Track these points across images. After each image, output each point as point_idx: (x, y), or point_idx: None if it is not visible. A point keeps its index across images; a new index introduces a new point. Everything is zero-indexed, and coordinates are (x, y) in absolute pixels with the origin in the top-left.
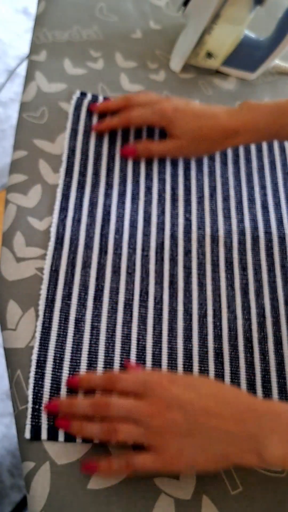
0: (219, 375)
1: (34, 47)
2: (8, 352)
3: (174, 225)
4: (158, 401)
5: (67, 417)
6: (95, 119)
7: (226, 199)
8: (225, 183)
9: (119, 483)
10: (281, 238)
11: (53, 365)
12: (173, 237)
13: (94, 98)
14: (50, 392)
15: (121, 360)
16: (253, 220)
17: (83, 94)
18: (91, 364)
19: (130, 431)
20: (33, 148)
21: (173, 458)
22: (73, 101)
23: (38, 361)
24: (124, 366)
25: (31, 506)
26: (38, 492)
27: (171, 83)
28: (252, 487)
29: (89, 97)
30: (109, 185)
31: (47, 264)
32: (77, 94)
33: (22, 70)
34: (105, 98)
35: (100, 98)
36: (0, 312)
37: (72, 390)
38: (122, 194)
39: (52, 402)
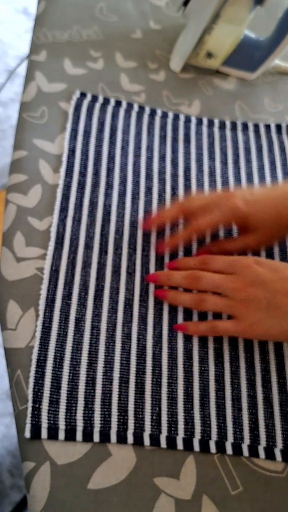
0: (219, 375)
1: (34, 47)
2: (8, 352)
3: (174, 225)
4: (244, 278)
5: (163, 289)
6: (95, 120)
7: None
8: (225, 183)
9: (119, 483)
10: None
11: (53, 364)
12: (173, 237)
13: (94, 99)
14: (51, 391)
15: (121, 360)
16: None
17: (83, 95)
18: (91, 363)
19: (217, 302)
20: (33, 148)
21: (252, 326)
22: (73, 102)
23: (38, 360)
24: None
25: (31, 506)
26: (38, 492)
27: (171, 83)
28: (252, 487)
29: (89, 97)
30: (109, 185)
31: (47, 264)
32: (77, 94)
33: (22, 70)
34: (105, 99)
35: (100, 99)
36: (0, 312)
37: (72, 388)
38: (122, 194)
39: (152, 274)
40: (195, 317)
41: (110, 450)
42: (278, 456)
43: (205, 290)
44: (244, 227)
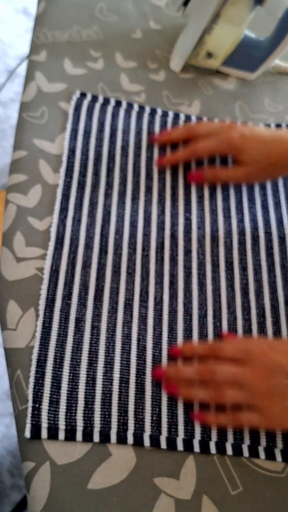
0: None
1: (34, 47)
2: (8, 352)
3: (174, 224)
4: (261, 367)
5: (174, 383)
6: (95, 120)
7: (226, 198)
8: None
9: (119, 483)
10: (281, 238)
11: (54, 364)
12: (173, 236)
13: (94, 99)
14: (51, 391)
15: (121, 360)
16: (253, 220)
17: (83, 95)
18: (91, 363)
19: (235, 394)
20: (33, 148)
21: (277, 418)
22: (73, 102)
23: (38, 360)
24: (219, 336)
25: (31, 506)
26: (38, 492)
27: (171, 83)
28: (252, 487)
29: (89, 97)
30: (109, 185)
31: (47, 264)
32: (77, 94)
33: (22, 70)
34: (105, 99)
35: (100, 99)
36: (0, 312)
37: (73, 388)
38: (122, 194)
39: (158, 369)
40: (194, 317)
41: (110, 450)
42: (278, 457)
43: (221, 383)
44: (237, 159)
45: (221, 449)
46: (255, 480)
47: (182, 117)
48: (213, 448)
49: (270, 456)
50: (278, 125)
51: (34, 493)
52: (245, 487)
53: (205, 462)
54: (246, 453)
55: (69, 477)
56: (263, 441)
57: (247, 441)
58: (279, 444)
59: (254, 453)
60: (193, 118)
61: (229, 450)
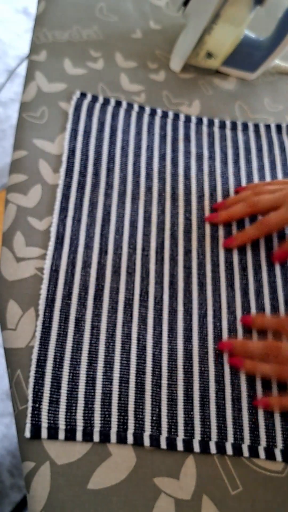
0: (219, 375)
1: (34, 47)
2: (8, 352)
3: (174, 224)
4: None
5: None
6: (95, 120)
7: (226, 199)
8: (225, 183)
9: (119, 483)
10: (280, 238)
11: (53, 364)
12: (173, 236)
13: (94, 99)
14: (51, 391)
15: (121, 360)
16: (253, 220)
17: (83, 95)
18: (91, 363)
19: None
20: (33, 148)
21: None
22: (73, 102)
23: (38, 360)
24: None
25: (31, 506)
26: (38, 492)
27: (171, 83)
28: (252, 487)
29: (89, 97)
30: (109, 185)
31: (47, 264)
32: (77, 94)
33: (22, 70)
34: (105, 99)
35: (100, 99)
36: (0, 312)
37: (72, 387)
38: (122, 194)
39: (226, 342)
40: (194, 317)
41: (110, 450)
42: (279, 456)
43: (286, 360)
44: None
45: (221, 449)
46: (255, 480)
47: (182, 118)
48: (213, 448)
49: (270, 456)
50: (278, 126)
51: (34, 493)
52: (245, 487)
53: (205, 462)
54: (246, 453)
55: (69, 477)
56: (263, 441)
57: (247, 441)
58: (279, 444)
59: (254, 453)
60: (193, 119)
61: (229, 450)
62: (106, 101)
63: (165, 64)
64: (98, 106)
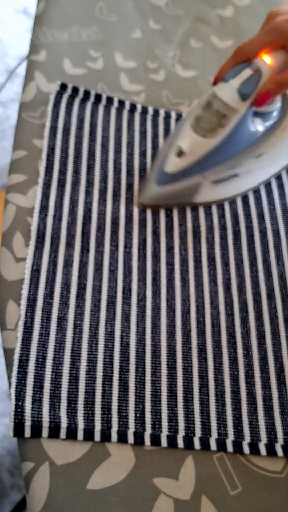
0: (203, 371)
1: (34, 47)
2: (7, 352)
3: (155, 221)
4: None
5: None
6: (74, 117)
7: None
8: None
9: (118, 483)
10: (263, 233)
11: (36, 363)
12: (155, 233)
13: (75, 91)
14: (33, 390)
15: (104, 357)
16: (234, 215)
17: (63, 87)
18: (74, 362)
19: None
20: (32, 148)
21: None
22: (52, 96)
23: (20, 360)
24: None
25: (30, 506)
26: (37, 493)
27: (171, 83)
28: (251, 487)
29: (69, 91)
30: (89, 183)
31: (28, 264)
32: (56, 87)
33: (22, 70)
34: (86, 91)
35: (81, 90)
36: None
37: (55, 386)
38: (103, 192)
39: None
40: (178, 313)
41: (109, 450)
42: (280, 452)
43: None
44: None
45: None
46: (254, 481)
47: (162, 114)
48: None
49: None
50: None
51: (33, 493)
52: (244, 487)
53: (204, 462)
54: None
55: (68, 477)
56: (247, 436)
57: (231, 437)
58: (264, 439)
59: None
60: (173, 115)
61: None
62: (86, 96)
63: (165, 64)
64: (77, 102)
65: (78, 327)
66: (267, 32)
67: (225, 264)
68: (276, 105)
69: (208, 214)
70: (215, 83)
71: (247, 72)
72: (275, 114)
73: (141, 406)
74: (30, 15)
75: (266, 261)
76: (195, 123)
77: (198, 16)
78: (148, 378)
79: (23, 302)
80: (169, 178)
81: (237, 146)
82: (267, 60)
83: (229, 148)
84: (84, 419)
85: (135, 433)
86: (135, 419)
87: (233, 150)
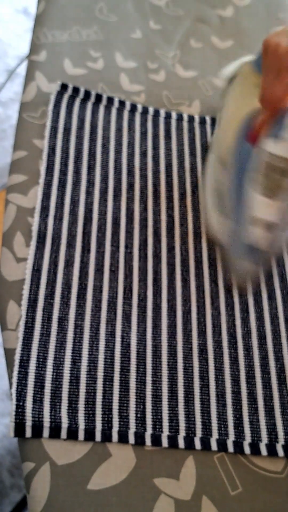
0: (204, 371)
1: (34, 47)
2: (8, 352)
3: (157, 221)
4: None
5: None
6: (75, 117)
7: None
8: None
9: (119, 484)
10: None
11: (37, 363)
12: (156, 233)
13: (75, 91)
14: (34, 391)
15: (105, 358)
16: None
17: (63, 87)
18: (75, 362)
19: None
20: (33, 149)
21: None
22: (52, 97)
23: (21, 361)
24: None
25: (31, 506)
26: (38, 493)
27: (171, 83)
28: (252, 487)
29: (69, 91)
30: (90, 183)
31: (29, 264)
32: (57, 87)
33: (22, 70)
34: (86, 92)
35: (82, 90)
36: (0, 312)
37: (56, 386)
38: (103, 192)
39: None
40: (178, 313)
41: (110, 450)
42: (280, 452)
43: None
44: None
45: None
46: (254, 481)
47: (162, 114)
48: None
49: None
50: None
51: (34, 494)
52: (245, 487)
53: (205, 463)
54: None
55: (69, 478)
56: (248, 437)
57: (231, 437)
58: (264, 439)
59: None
60: (173, 115)
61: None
62: (87, 96)
63: (165, 64)
64: (77, 102)
65: (79, 327)
66: None
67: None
68: None
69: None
70: (253, 140)
71: None
72: None
73: (142, 406)
74: (30, 15)
75: None
76: (265, 191)
77: (198, 16)
78: (149, 378)
79: (24, 302)
80: (267, 252)
81: None
82: None
83: None
84: (85, 419)
85: (135, 433)
86: (136, 419)
87: None
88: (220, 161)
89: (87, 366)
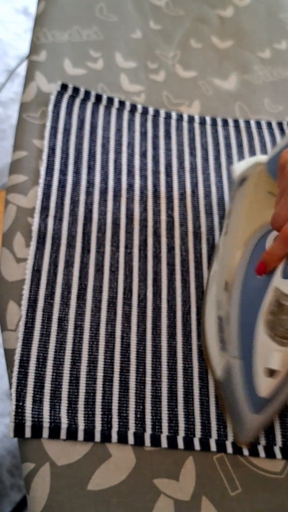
0: (203, 372)
1: (34, 47)
2: (8, 352)
3: (156, 222)
4: None
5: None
6: (75, 117)
7: (207, 195)
8: (206, 179)
9: (118, 484)
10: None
11: (37, 364)
12: (156, 234)
13: (75, 91)
14: (34, 391)
15: (105, 358)
16: None
17: (63, 87)
18: (75, 362)
19: None
20: (33, 149)
21: None
22: (52, 97)
23: (21, 361)
24: None
25: (31, 507)
26: (38, 493)
27: (171, 83)
28: (251, 488)
29: (69, 91)
30: (90, 183)
31: (29, 264)
32: (57, 87)
33: (22, 70)
34: (86, 92)
35: (82, 90)
36: (0, 312)
37: (56, 387)
38: (103, 192)
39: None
40: (178, 314)
41: (110, 451)
42: (278, 454)
43: None
44: None
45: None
46: (254, 481)
47: (162, 114)
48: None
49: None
50: (258, 122)
51: (34, 494)
52: (244, 488)
53: (204, 463)
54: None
55: (69, 478)
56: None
57: (230, 438)
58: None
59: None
60: (173, 115)
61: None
62: (87, 96)
63: (165, 64)
64: (77, 102)
65: (78, 328)
66: None
67: None
68: None
69: (209, 214)
70: (262, 272)
71: None
72: None
73: (141, 407)
74: (30, 15)
75: None
76: (272, 332)
77: (198, 16)
78: (148, 379)
79: (24, 302)
80: (268, 401)
81: None
82: None
83: None
84: (85, 420)
85: (135, 434)
86: (135, 420)
87: None
88: (223, 284)
89: (87, 366)
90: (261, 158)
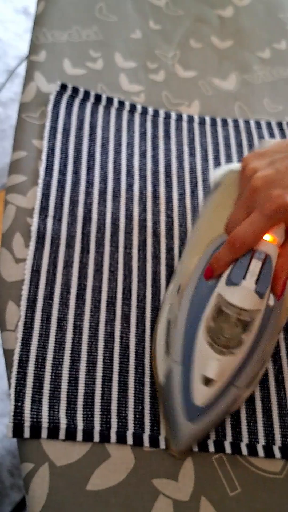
0: None
1: (34, 47)
2: (7, 353)
3: (156, 222)
4: None
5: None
6: (74, 117)
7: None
8: (206, 179)
9: (117, 484)
10: None
11: (36, 364)
12: (156, 234)
13: (75, 91)
14: (33, 391)
15: (104, 358)
16: None
17: (63, 87)
18: (74, 363)
19: None
20: (32, 149)
21: None
22: (52, 97)
23: (20, 361)
24: None
25: (30, 507)
26: (37, 494)
27: (171, 83)
28: (250, 488)
29: (69, 91)
30: (89, 183)
31: (28, 264)
32: (56, 87)
33: (22, 70)
34: (86, 92)
35: (81, 90)
36: None
37: (55, 387)
38: (103, 192)
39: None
40: None
41: (109, 451)
42: (277, 453)
43: None
44: None
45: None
46: (253, 482)
47: (162, 114)
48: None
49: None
50: (257, 122)
51: (33, 494)
52: (243, 488)
53: (203, 464)
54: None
55: (68, 478)
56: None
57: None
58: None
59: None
60: (173, 115)
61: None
62: (86, 96)
63: (165, 64)
64: (77, 102)
65: (78, 328)
66: (269, 216)
67: None
68: None
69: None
70: (209, 277)
71: (256, 266)
72: None
73: (140, 407)
74: (30, 15)
75: None
76: (212, 340)
77: (198, 16)
78: (147, 380)
79: (23, 303)
80: (203, 410)
81: (265, 338)
82: (267, 237)
83: (258, 345)
84: (84, 420)
85: (134, 434)
86: (134, 420)
87: (262, 344)
88: (177, 287)
89: (86, 366)
90: (235, 165)
